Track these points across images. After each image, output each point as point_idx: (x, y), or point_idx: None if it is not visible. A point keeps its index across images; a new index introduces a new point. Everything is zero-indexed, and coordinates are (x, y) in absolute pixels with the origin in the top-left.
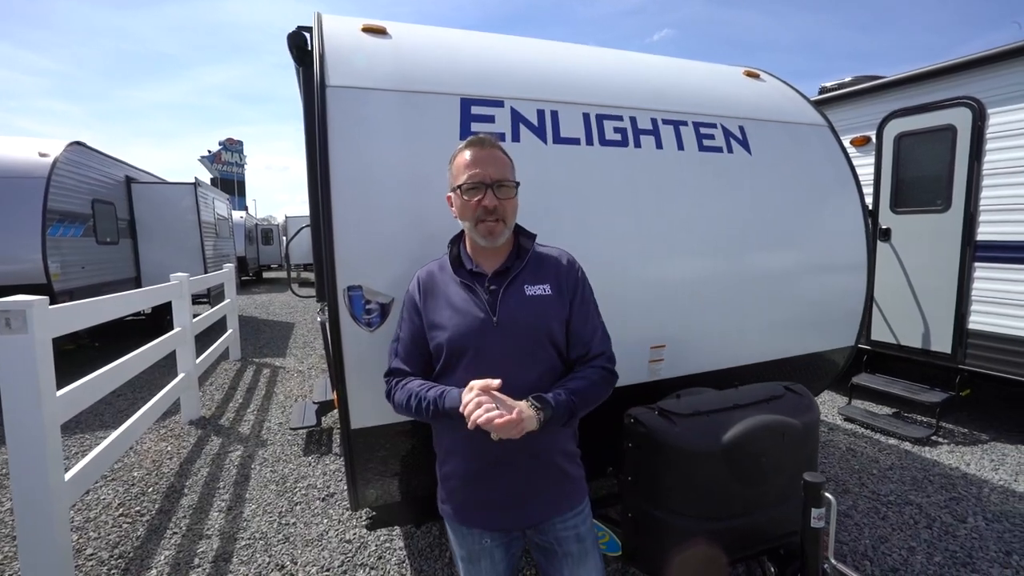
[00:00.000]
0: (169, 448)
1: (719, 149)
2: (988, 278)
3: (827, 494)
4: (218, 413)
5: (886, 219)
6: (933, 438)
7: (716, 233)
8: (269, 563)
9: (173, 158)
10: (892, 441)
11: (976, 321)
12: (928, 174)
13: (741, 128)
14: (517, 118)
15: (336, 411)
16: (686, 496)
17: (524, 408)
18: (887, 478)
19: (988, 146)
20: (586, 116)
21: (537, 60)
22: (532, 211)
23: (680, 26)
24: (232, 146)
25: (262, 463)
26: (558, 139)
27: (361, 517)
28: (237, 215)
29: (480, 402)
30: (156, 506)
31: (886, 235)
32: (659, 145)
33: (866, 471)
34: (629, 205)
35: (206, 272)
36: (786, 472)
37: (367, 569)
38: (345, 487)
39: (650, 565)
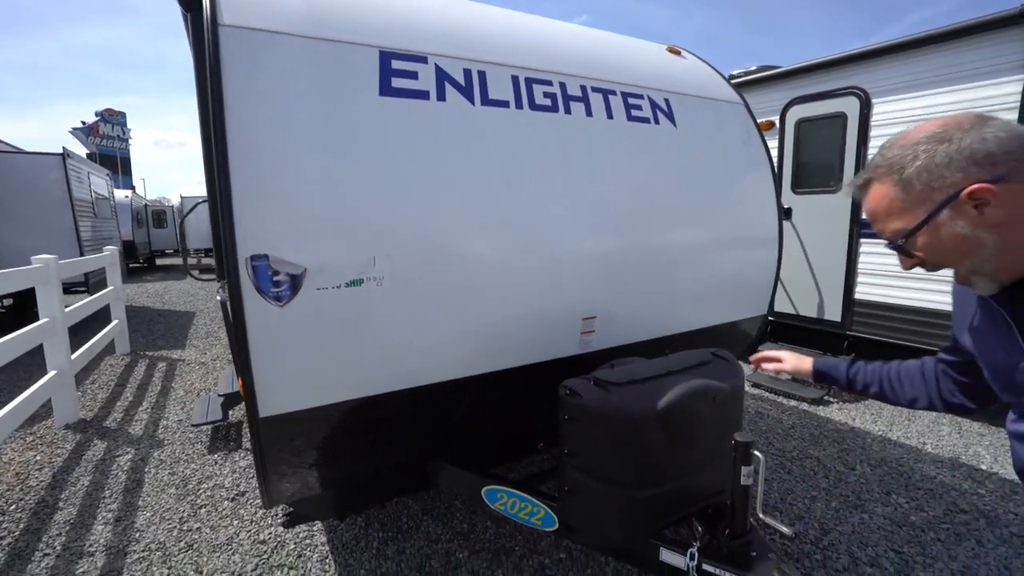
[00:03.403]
0: (39, 458)
1: (647, 120)
2: (871, 252)
3: (756, 452)
4: (102, 414)
5: (787, 199)
6: (826, 398)
7: (646, 204)
8: (168, 575)
9: (36, 129)
10: (792, 403)
11: (861, 292)
12: (823, 157)
13: (667, 101)
14: (442, 76)
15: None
16: (623, 464)
17: None
18: (790, 436)
19: (873, 132)
20: (515, 79)
21: (465, 17)
22: (460, 176)
23: (597, 13)
24: (112, 118)
25: (158, 465)
26: (486, 101)
27: (278, 515)
28: (121, 194)
29: None
30: (20, 526)
31: (787, 214)
32: (589, 112)
33: (772, 431)
34: (560, 172)
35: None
36: (716, 434)
37: (285, 570)
38: (257, 484)
39: (587, 537)
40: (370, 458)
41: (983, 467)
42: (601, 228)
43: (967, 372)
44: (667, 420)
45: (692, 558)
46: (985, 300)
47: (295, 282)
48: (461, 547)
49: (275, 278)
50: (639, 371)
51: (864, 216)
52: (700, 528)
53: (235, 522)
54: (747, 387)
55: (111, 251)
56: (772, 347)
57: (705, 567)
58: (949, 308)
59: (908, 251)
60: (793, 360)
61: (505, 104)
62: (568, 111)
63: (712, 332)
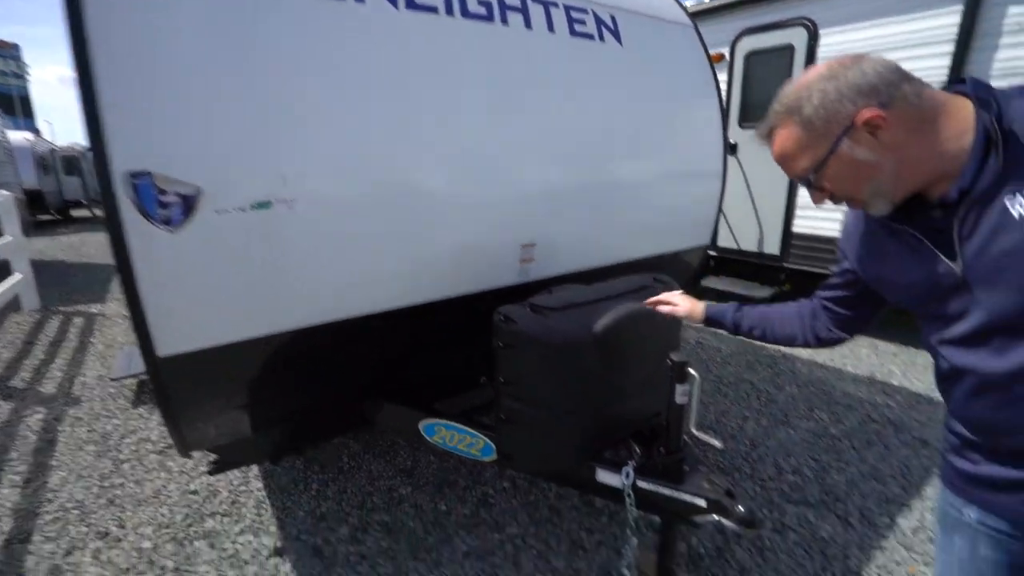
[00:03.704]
0: None
1: (591, 36)
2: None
3: (691, 370)
4: (7, 374)
5: (734, 134)
6: None
7: (588, 126)
8: (88, 533)
9: None
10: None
11: (799, 225)
12: (770, 91)
13: (612, 17)
14: None
15: None
16: (560, 390)
17: None
18: (728, 363)
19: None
20: None
21: None
22: (382, 89)
23: None
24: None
25: (74, 423)
26: (411, 4)
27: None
28: (19, 136)
29: None
30: None
31: (733, 150)
32: (528, 24)
33: (711, 360)
34: (497, 89)
35: None
36: (654, 357)
37: (218, 518)
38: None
39: (525, 464)
40: (297, 398)
41: (894, 382)
42: (540, 150)
43: (851, 305)
44: (604, 344)
45: (627, 476)
46: (892, 229)
47: (188, 203)
48: (404, 483)
49: (162, 199)
50: (577, 296)
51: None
52: (638, 449)
53: (162, 474)
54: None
55: (3, 197)
56: (713, 280)
57: (640, 484)
58: None
59: (818, 185)
60: (687, 305)
61: (433, 10)
62: (505, 21)
63: (654, 262)
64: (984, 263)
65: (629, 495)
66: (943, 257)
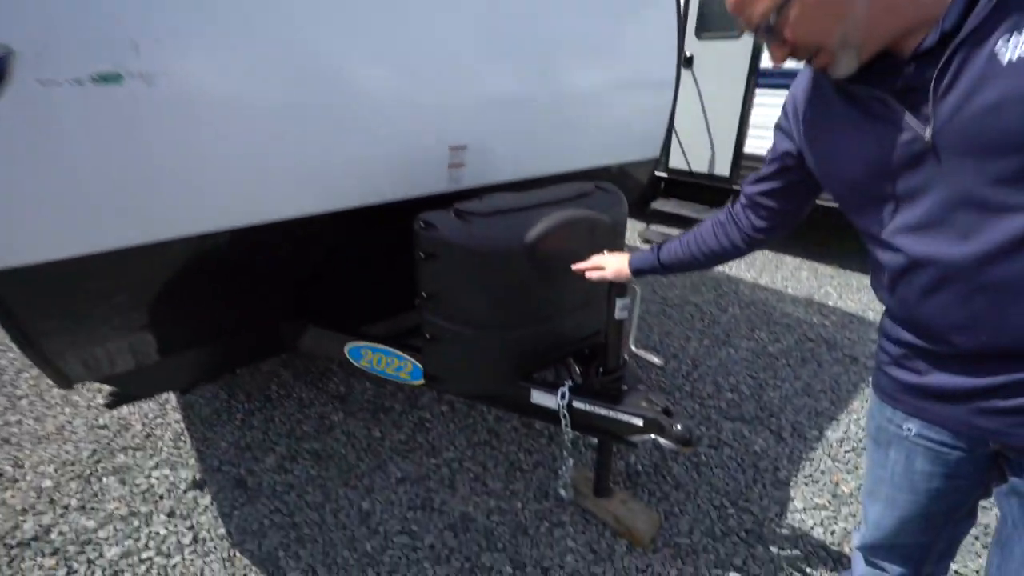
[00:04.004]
0: None
1: None
2: (764, 104)
3: (633, 284)
4: None
5: (690, 46)
6: None
7: (528, 21)
8: None
9: None
10: None
11: (750, 145)
12: None
13: None
14: None
15: None
16: (487, 305)
17: None
18: (673, 285)
19: None
20: None
21: None
22: None
23: None
24: None
25: None
26: None
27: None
28: None
29: None
30: None
31: (689, 63)
32: None
33: (658, 282)
34: None
35: None
36: None
37: (131, 452)
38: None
39: (453, 386)
40: (199, 320)
41: (830, 303)
42: (473, 42)
43: (782, 196)
44: (536, 254)
45: (563, 397)
46: (849, 94)
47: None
48: (336, 409)
49: None
50: (508, 202)
51: (762, 64)
52: (578, 369)
53: (67, 410)
54: (639, 244)
55: None
56: (663, 202)
57: (576, 405)
58: None
59: (779, 33)
60: (614, 263)
61: None
62: None
63: (600, 174)
64: (960, 123)
65: (564, 416)
66: (911, 120)
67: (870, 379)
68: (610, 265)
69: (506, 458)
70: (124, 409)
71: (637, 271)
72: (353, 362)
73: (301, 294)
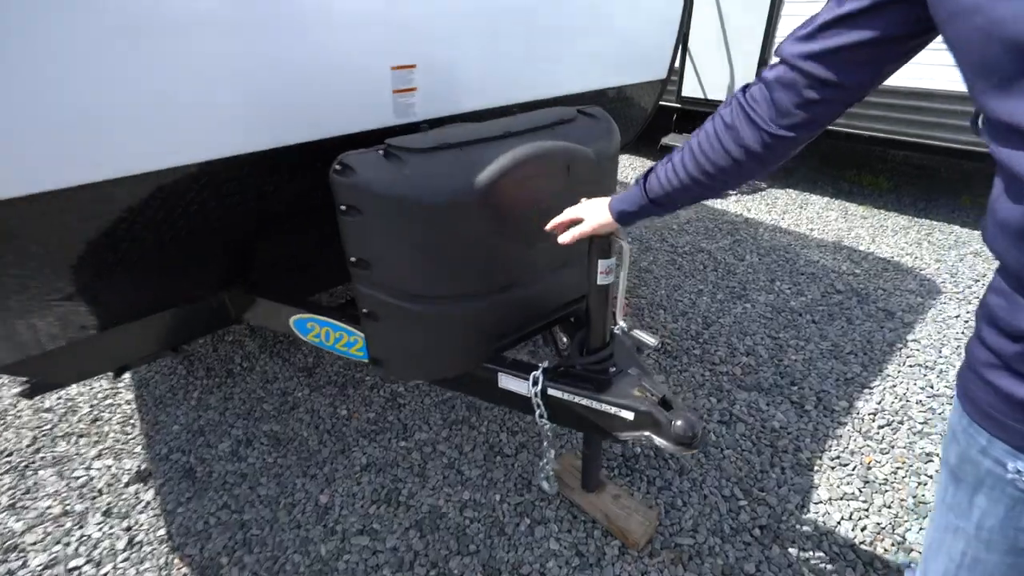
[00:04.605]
0: None
1: None
2: (795, 15)
3: (621, 240)
4: None
5: None
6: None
7: None
8: None
9: None
10: None
11: None
12: None
13: None
14: None
15: None
16: (433, 271)
17: None
18: (684, 231)
19: None
20: None
21: None
22: None
23: None
24: None
25: None
26: None
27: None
28: None
29: None
30: None
31: None
32: None
33: (667, 227)
34: None
35: None
36: None
37: (73, 439)
38: None
39: (400, 371)
40: (117, 290)
41: (861, 248)
42: None
43: (853, 57)
44: (493, 201)
45: (535, 383)
46: None
47: None
48: (301, 385)
49: None
50: (460, 134)
51: None
52: (565, 339)
53: (15, 389)
54: None
55: None
56: (674, 137)
57: (552, 392)
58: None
59: None
60: (593, 213)
61: None
62: None
63: (594, 98)
64: None
65: (538, 406)
66: None
67: (906, 337)
68: (589, 215)
69: (485, 440)
70: (73, 389)
71: (622, 215)
72: (301, 336)
73: (240, 258)
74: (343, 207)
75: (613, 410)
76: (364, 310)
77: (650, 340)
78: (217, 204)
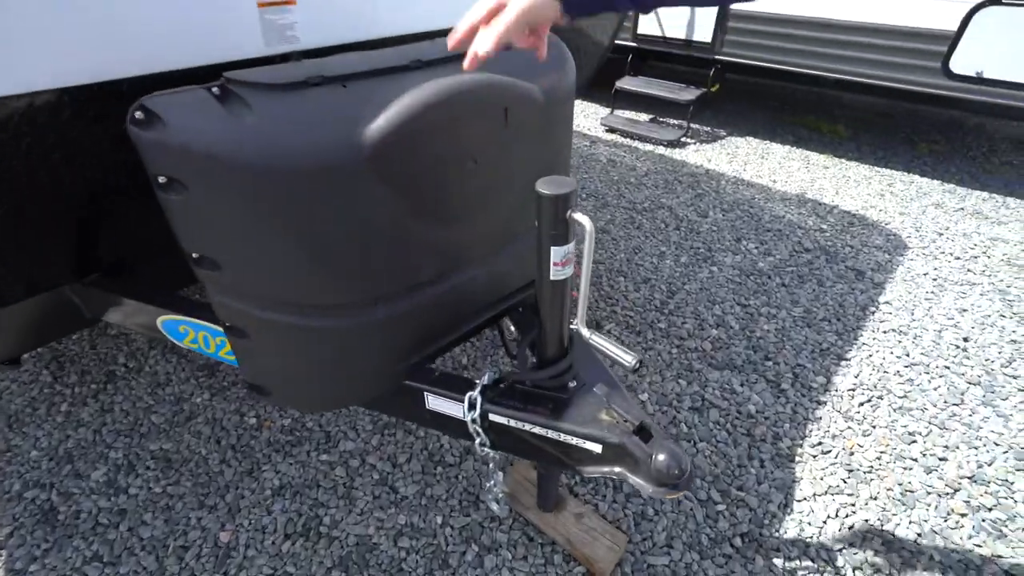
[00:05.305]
0: None
1: None
2: None
3: (579, 218)
4: None
5: None
6: (683, 139)
7: None
8: None
9: None
10: (648, 147)
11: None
12: None
13: None
14: None
15: None
16: (307, 269)
17: None
18: (643, 185)
19: None
20: None
21: None
22: None
23: None
24: None
25: None
26: None
27: None
28: None
29: None
30: None
31: None
32: None
33: (624, 180)
34: None
35: None
36: (515, 182)
37: None
38: None
39: (289, 399)
40: None
41: (826, 200)
42: None
43: None
44: (394, 162)
45: (472, 406)
46: None
47: None
48: (200, 388)
49: None
50: (340, 64)
51: None
52: (514, 330)
53: None
54: (602, 134)
55: None
56: (628, 80)
57: (495, 418)
58: (842, 19)
59: None
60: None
61: None
62: None
63: None
64: None
65: (478, 433)
66: None
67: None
68: (511, 3)
69: (424, 447)
70: None
71: (571, 3)
72: (173, 340)
73: (86, 240)
74: (160, 179)
75: (575, 441)
76: (225, 324)
77: (626, 357)
78: (39, 163)
